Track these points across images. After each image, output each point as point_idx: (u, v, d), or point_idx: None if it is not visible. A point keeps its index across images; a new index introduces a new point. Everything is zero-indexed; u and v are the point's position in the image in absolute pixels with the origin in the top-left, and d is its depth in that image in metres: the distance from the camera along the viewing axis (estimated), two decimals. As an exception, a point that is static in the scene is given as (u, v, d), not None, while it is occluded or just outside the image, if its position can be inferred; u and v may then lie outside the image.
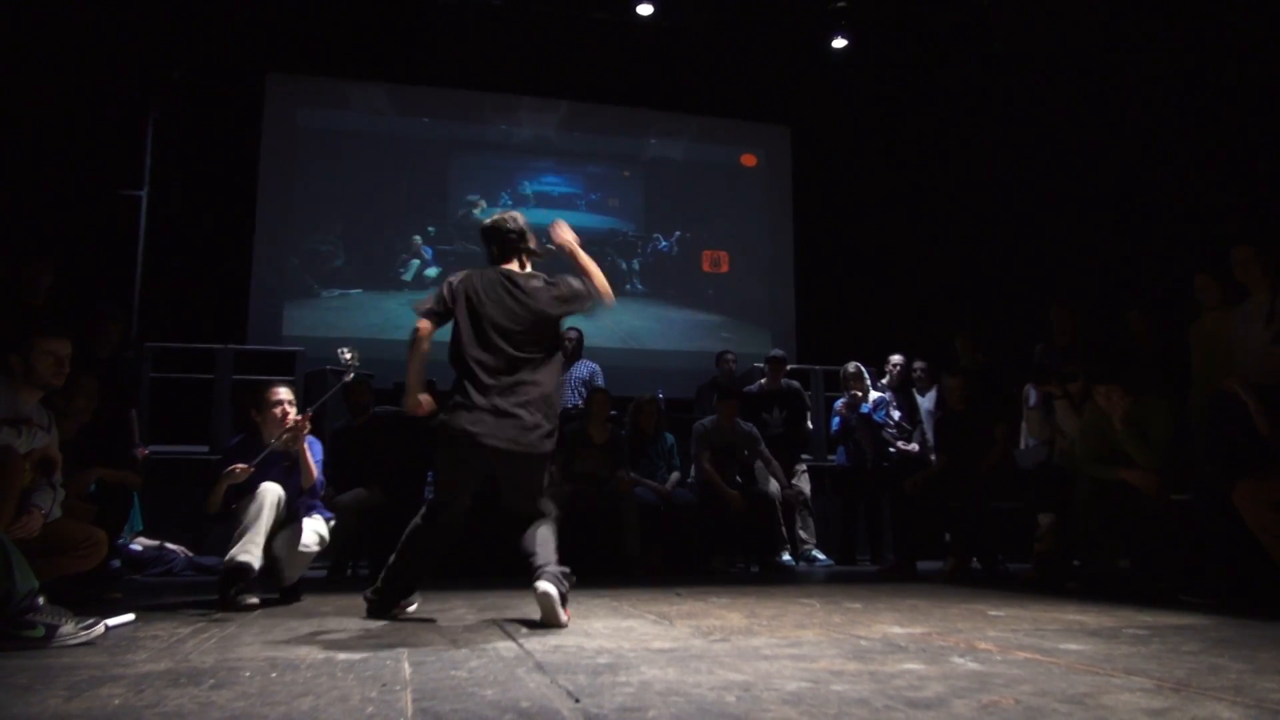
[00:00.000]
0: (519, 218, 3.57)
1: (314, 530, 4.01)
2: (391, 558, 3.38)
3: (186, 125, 8.26)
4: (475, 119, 9.66)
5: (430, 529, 3.33)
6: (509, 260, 3.49)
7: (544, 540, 3.19)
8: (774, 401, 6.86)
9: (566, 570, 3.15)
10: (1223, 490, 3.84)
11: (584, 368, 7.17)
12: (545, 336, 3.39)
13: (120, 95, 7.88)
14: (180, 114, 8.24)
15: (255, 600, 3.70)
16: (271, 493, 3.82)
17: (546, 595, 3.02)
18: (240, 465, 3.89)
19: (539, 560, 3.13)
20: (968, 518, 5.60)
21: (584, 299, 3.47)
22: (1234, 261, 4.52)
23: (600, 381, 7.09)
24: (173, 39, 8.13)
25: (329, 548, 4.28)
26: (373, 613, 3.36)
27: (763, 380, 7.05)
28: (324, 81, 9.18)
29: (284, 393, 4.07)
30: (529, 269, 3.53)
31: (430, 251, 9.21)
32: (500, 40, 8.86)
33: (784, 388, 6.98)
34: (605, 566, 5.54)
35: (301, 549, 3.95)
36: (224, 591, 3.73)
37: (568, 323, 7.46)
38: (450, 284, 3.37)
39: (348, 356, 4.04)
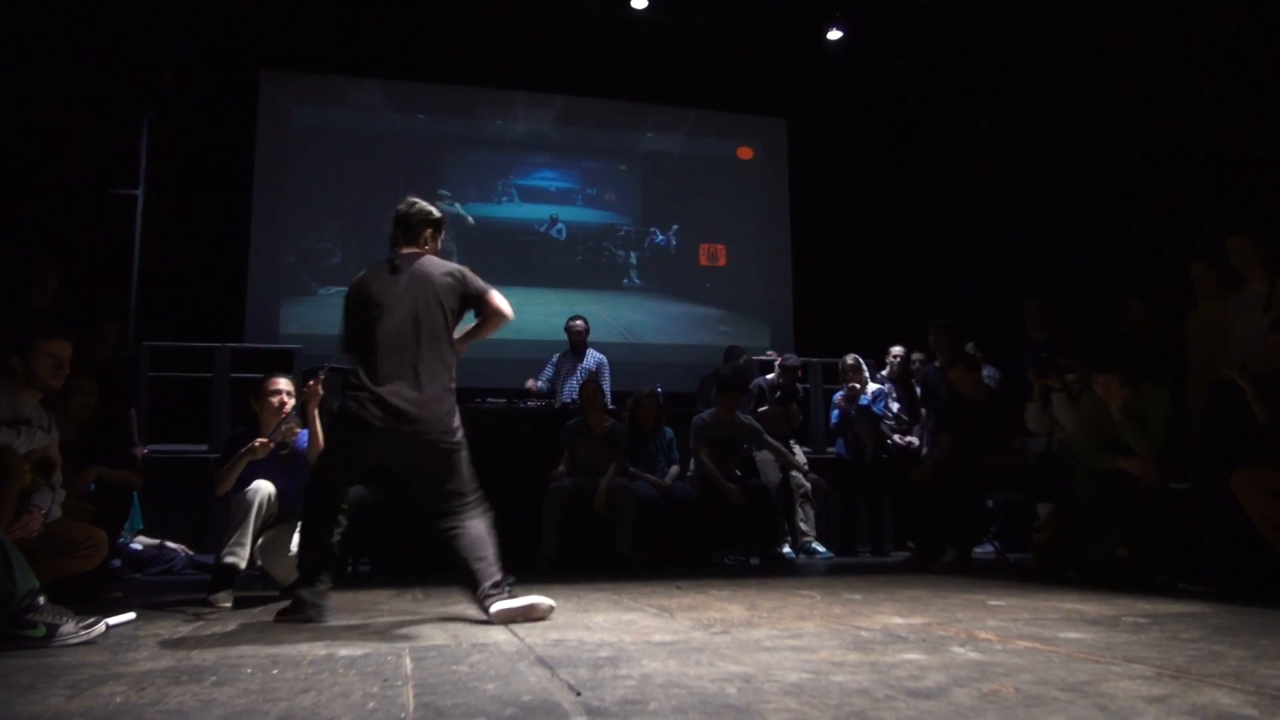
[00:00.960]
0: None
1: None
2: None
3: (181, 124, 8.22)
4: (470, 115, 9.63)
5: None
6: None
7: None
8: (767, 399, 6.90)
9: (499, 579, 3.15)
10: (1221, 478, 3.85)
11: (591, 359, 7.18)
12: None
13: (114, 95, 7.85)
14: (174, 113, 8.21)
15: (228, 604, 3.71)
16: (261, 491, 3.83)
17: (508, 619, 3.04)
18: (260, 440, 3.92)
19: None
20: (963, 510, 5.56)
21: None
22: (1230, 250, 4.53)
23: (607, 372, 7.11)
24: (166, 38, 8.11)
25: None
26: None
27: (769, 376, 7.07)
28: (318, 79, 9.14)
29: (283, 383, 4.11)
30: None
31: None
32: (494, 35, 8.84)
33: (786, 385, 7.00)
34: (603, 562, 5.54)
35: (290, 555, 3.95)
36: (213, 590, 3.75)
37: (574, 310, 7.46)
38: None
39: None
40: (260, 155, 8.77)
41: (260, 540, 3.92)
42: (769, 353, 7.73)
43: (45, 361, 3.45)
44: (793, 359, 7.23)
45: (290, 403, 4.09)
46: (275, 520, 3.96)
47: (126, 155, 7.97)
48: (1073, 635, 2.60)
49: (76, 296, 5.88)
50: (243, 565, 3.79)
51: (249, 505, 3.79)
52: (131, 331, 7.45)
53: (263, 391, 4.08)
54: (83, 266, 6.89)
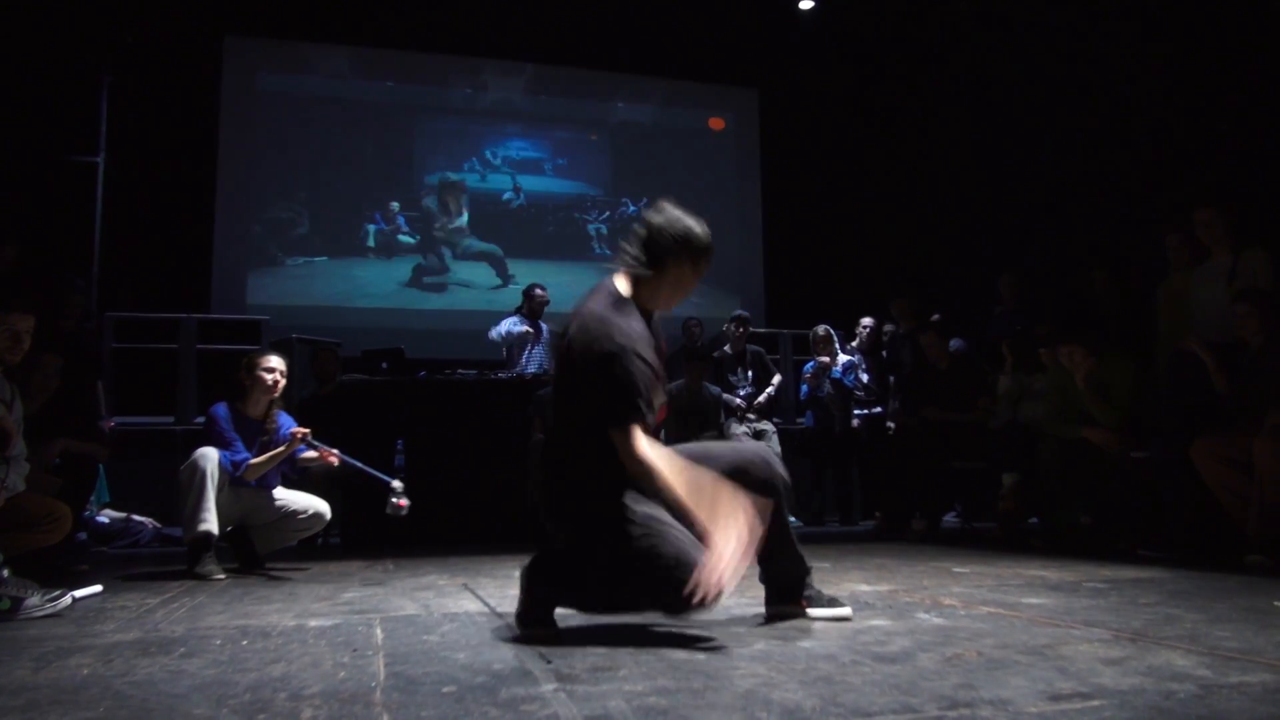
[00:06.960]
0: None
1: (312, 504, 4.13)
2: None
3: (142, 89, 8.02)
4: (440, 83, 9.51)
5: None
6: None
7: None
8: (738, 363, 6.89)
9: None
10: (1181, 447, 3.93)
11: (545, 330, 7.04)
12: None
13: (73, 58, 7.64)
14: (136, 78, 8.00)
15: (222, 576, 3.68)
16: (210, 458, 3.77)
17: None
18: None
19: None
20: (932, 477, 5.63)
21: None
22: (1197, 222, 4.60)
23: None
24: (126, 1, 7.90)
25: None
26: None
27: (726, 346, 7.07)
28: (284, 44, 8.97)
29: (276, 361, 4.08)
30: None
31: (403, 220, 9.10)
32: (464, 1, 8.70)
33: (749, 351, 6.98)
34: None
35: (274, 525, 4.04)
36: (193, 563, 3.72)
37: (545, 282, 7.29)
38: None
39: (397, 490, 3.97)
40: (224, 122, 8.61)
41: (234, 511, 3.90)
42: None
43: (2, 334, 3.37)
44: (742, 311, 7.26)
45: (283, 382, 4.06)
46: (223, 486, 3.88)
47: (86, 121, 7.76)
48: (1034, 600, 2.65)
49: (39, 267, 5.76)
50: (216, 530, 3.76)
51: (204, 473, 3.73)
52: (94, 303, 7.32)
53: (255, 366, 4.01)
54: (43, 236, 6.74)
